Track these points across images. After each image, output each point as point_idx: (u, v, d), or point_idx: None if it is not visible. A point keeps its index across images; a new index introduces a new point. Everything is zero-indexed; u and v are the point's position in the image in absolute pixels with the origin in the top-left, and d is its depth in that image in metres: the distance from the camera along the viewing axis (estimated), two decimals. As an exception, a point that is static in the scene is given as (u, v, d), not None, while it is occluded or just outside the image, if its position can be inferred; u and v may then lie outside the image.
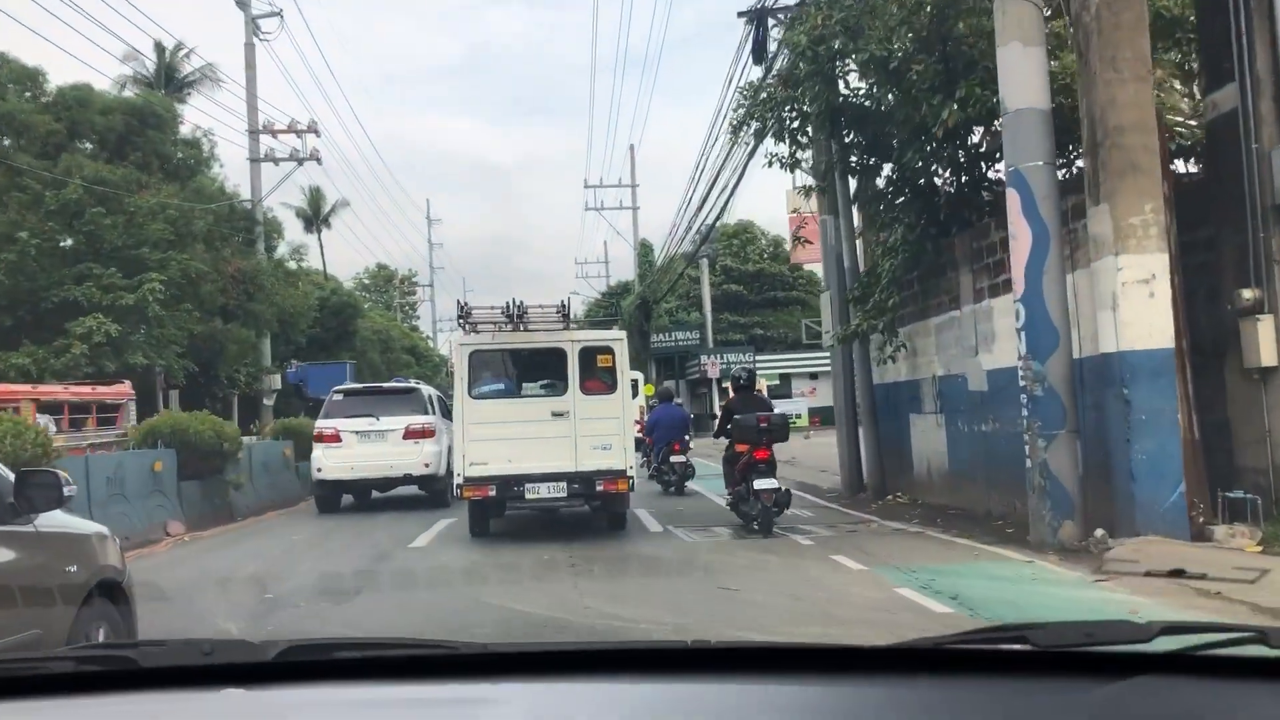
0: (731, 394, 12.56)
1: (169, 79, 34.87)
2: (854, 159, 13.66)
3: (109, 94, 28.40)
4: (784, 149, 12.97)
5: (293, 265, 46.51)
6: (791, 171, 13.66)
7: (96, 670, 1.78)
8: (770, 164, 13.31)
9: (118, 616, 4.62)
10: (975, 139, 11.73)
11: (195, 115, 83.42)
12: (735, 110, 14.39)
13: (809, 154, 13.80)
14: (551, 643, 2.74)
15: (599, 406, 10.51)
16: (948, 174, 12.10)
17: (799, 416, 34.35)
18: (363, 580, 8.89)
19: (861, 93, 12.82)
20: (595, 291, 62.75)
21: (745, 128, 13.92)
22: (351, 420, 14.99)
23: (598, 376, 10.65)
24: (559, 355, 10.63)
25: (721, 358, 43.84)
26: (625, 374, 10.80)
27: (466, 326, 10.92)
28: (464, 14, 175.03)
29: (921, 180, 12.12)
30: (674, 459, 15.50)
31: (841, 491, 15.30)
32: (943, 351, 12.43)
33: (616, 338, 11.16)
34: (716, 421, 11.90)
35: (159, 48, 34.72)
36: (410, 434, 14.75)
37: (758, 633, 6.04)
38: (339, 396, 15.76)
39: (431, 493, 15.02)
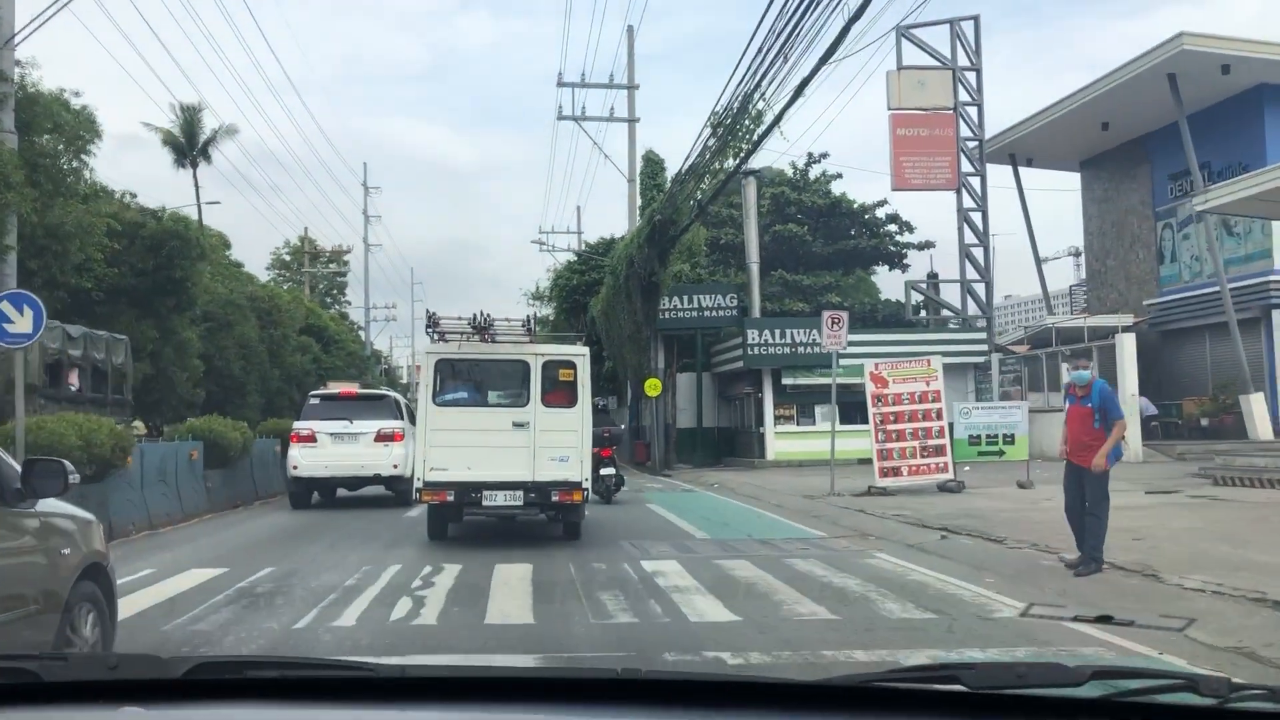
0: None
1: None
2: None
3: None
4: None
5: (71, 163, 28.01)
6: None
7: None
8: None
9: (100, 596, 4.90)
10: None
11: None
12: None
13: None
14: (471, 667, 2.44)
15: (559, 419, 10.57)
16: None
17: (1009, 440, 16.88)
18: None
19: None
20: (554, 258, 46.21)
21: None
22: (327, 423, 15.96)
23: (559, 390, 10.72)
24: (523, 367, 10.74)
25: (785, 334, 26.93)
26: (586, 388, 10.76)
27: (434, 335, 10.99)
28: (432, 19, 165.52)
29: None
30: (603, 471, 15.62)
31: None
32: None
33: (579, 353, 11.13)
34: None
35: None
36: (380, 437, 15.79)
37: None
38: (316, 400, 16.86)
39: (397, 492, 15.93)
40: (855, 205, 31.72)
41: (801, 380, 27.04)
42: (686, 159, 20.76)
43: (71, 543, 4.68)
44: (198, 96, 45.28)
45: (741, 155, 16.92)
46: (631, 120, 34.79)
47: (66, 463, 4.62)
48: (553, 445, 10.43)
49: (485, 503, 10.32)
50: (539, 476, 10.33)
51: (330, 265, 78.11)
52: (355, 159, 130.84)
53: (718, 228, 32.59)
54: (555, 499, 10.39)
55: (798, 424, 27.34)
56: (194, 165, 51.04)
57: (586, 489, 10.57)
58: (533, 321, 11.80)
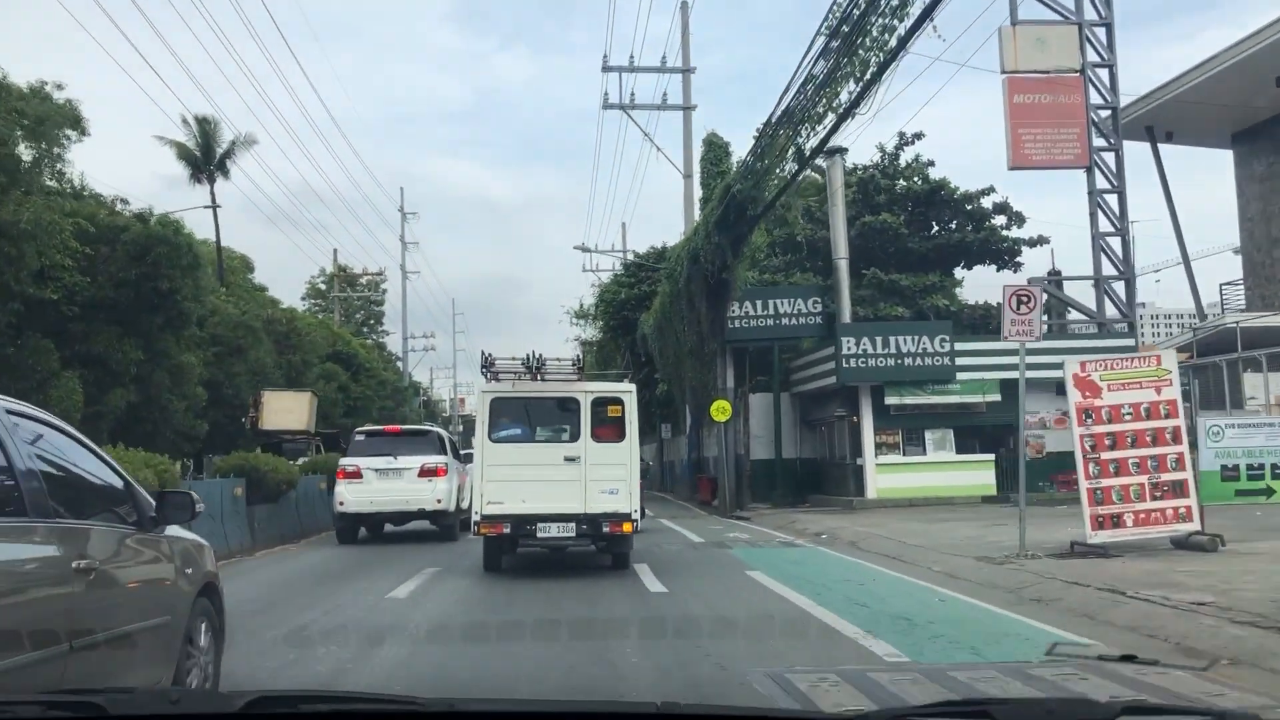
0: None
1: None
2: None
3: None
4: None
5: (46, 161, 23.58)
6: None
7: (64, 716, 1.82)
8: None
9: (214, 611, 5.35)
10: None
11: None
12: None
13: None
14: (518, 700, 2.61)
15: (608, 453, 10.93)
16: None
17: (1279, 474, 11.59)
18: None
19: None
20: (597, 276, 42.29)
21: None
22: (372, 459, 16.11)
23: (608, 425, 11.11)
24: (573, 404, 11.15)
25: (888, 343, 21.87)
26: (633, 424, 11.11)
27: (489, 375, 11.36)
28: (473, 59, 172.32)
29: None
30: None
31: None
32: None
33: (626, 389, 11.55)
34: None
35: None
36: (424, 472, 15.93)
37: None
38: (361, 437, 17.09)
39: (441, 527, 16.13)
40: (958, 193, 26.69)
41: (909, 399, 21.96)
42: (782, 95, 15.80)
43: (193, 564, 5.10)
44: (247, 137, 41.87)
45: (871, 73, 11.99)
46: (687, 107, 30.23)
47: (194, 494, 5.03)
48: (603, 478, 10.79)
49: (539, 534, 10.72)
50: (590, 508, 10.69)
51: (366, 291, 74.52)
52: (397, 195, 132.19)
53: (789, 224, 27.77)
54: (606, 530, 10.74)
55: (904, 453, 22.25)
56: (211, 180, 47.26)
57: (636, 520, 10.92)
58: (581, 360, 12.53)
